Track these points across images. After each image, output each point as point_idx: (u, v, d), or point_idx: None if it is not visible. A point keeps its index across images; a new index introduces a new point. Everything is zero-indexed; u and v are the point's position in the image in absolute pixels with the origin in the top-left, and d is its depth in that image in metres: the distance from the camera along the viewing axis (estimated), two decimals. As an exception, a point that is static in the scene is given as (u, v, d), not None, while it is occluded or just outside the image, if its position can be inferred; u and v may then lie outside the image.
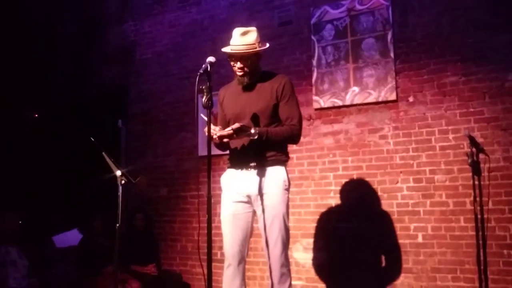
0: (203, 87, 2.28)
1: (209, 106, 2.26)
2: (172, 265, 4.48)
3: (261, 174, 2.49)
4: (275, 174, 2.50)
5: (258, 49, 2.52)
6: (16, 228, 3.65)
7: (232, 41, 2.53)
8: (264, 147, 2.48)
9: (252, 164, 2.50)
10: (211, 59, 2.34)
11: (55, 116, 5.40)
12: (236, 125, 2.35)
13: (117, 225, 2.71)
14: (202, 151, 4.26)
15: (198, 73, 2.25)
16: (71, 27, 5.56)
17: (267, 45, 2.58)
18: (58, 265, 4.24)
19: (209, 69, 2.29)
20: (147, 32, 5.07)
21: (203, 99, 2.26)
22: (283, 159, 2.57)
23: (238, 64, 2.51)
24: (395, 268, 3.52)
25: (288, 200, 2.54)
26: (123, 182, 2.75)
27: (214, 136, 2.38)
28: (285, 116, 2.53)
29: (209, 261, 2.19)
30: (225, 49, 2.54)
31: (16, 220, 3.71)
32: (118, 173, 2.75)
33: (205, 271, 2.20)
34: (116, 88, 5.12)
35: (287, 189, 2.54)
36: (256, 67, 2.57)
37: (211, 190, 2.24)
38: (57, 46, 5.56)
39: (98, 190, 3.99)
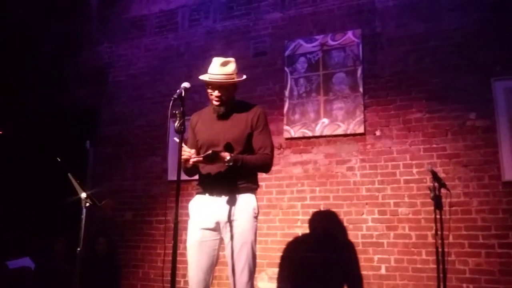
0: (177, 112, 2.29)
1: (181, 131, 2.27)
2: (134, 292, 4.35)
3: (231, 201, 2.49)
4: (245, 201, 2.51)
5: (236, 80, 2.57)
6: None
7: (210, 70, 2.57)
8: (236, 174, 2.49)
9: (223, 191, 2.50)
10: (186, 84, 2.36)
11: (21, 132, 5.25)
12: (215, 152, 2.37)
13: (78, 249, 2.63)
14: (172, 176, 4.22)
15: (172, 98, 2.26)
16: (46, 43, 5.50)
17: (244, 76, 2.64)
18: (13, 289, 4.05)
19: (183, 94, 2.31)
20: (123, 55, 5.08)
21: (176, 124, 2.27)
22: (253, 187, 2.59)
23: (216, 93, 2.55)
24: (359, 300, 3.54)
25: (256, 228, 2.54)
26: (87, 204, 2.69)
27: (191, 159, 2.37)
28: (258, 145, 2.57)
29: (173, 288, 2.15)
30: (203, 77, 2.58)
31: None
32: (83, 195, 2.69)
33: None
34: (87, 109, 5.06)
35: (256, 217, 2.54)
36: (232, 97, 2.62)
37: (178, 216, 2.22)
38: (31, 61, 5.47)
39: (62, 211, 3.88)
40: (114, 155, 4.82)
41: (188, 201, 2.70)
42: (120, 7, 5.24)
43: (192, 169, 2.60)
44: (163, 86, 4.70)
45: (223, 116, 2.60)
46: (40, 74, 5.39)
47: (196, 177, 2.67)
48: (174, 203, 2.22)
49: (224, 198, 2.50)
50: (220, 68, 2.54)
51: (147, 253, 4.39)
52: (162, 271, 2.29)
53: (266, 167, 2.60)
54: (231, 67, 2.57)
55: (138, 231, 4.49)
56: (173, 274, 2.15)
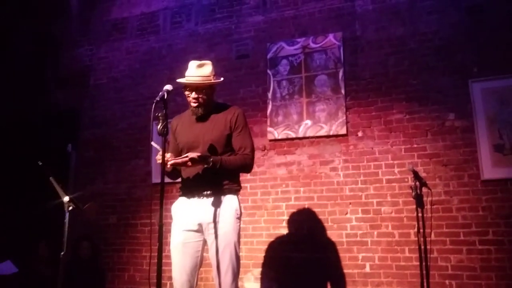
0: (159, 114, 2.29)
1: (164, 134, 2.27)
2: (119, 296, 4.31)
3: (214, 202, 2.50)
4: (228, 202, 2.52)
5: (213, 81, 2.59)
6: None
7: (187, 72, 2.59)
8: (217, 175, 2.50)
9: (205, 193, 2.51)
10: (168, 87, 2.36)
11: (0, 135, 5.15)
12: (193, 154, 2.37)
13: (62, 253, 2.60)
14: (155, 179, 4.21)
15: (155, 100, 2.26)
16: (27, 46, 5.40)
17: (221, 79, 2.67)
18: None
19: (165, 97, 2.31)
20: (103, 57, 5.03)
21: (158, 126, 2.27)
22: (235, 188, 2.60)
23: (193, 95, 2.56)
24: (343, 299, 3.58)
25: (239, 229, 2.55)
26: (70, 208, 2.66)
27: (168, 162, 2.38)
28: (238, 146, 2.59)
29: (159, 290, 2.14)
30: (181, 80, 2.59)
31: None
32: (66, 199, 2.65)
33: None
34: (68, 112, 4.99)
35: (239, 218, 2.56)
36: (210, 99, 2.63)
37: (163, 218, 2.22)
38: (9, 62, 5.37)
39: (44, 216, 3.82)
40: (96, 158, 4.77)
41: (172, 203, 2.70)
42: (101, 9, 5.19)
43: (173, 173, 2.61)
44: (145, 88, 4.67)
45: (201, 118, 2.62)
46: (19, 76, 5.29)
47: (180, 179, 2.67)
48: (158, 206, 2.22)
49: (206, 200, 2.51)
50: (196, 70, 2.57)
51: (132, 256, 4.35)
52: (148, 273, 2.27)
53: (246, 167, 2.61)
54: (208, 69, 2.59)
55: (123, 234, 4.45)
56: (159, 277, 2.14)
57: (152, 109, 2.26)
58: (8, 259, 4.04)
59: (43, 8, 5.42)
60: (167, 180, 2.39)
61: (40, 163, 2.64)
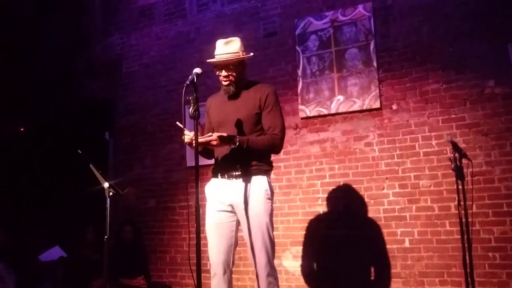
0: (190, 98, 2.30)
1: (195, 117, 2.28)
2: (162, 277, 4.46)
3: (243, 183, 2.49)
4: (258, 183, 2.50)
5: (242, 57, 2.55)
6: (3, 243, 3.61)
7: (216, 51, 2.57)
8: (246, 156, 2.48)
9: (235, 174, 2.51)
10: (197, 70, 2.37)
11: (40, 129, 5.36)
12: (219, 134, 2.38)
13: (105, 237, 2.70)
14: (190, 162, 4.26)
15: (185, 84, 2.27)
16: (57, 40, 5.55)
17: (251, 54, 2.62)
18: (45, 280, 4.19)
19: (195, 80, 2.32)
20: (134, 45, 5.10)
21: (190, 110, 2.29)
22: (265, 169, 2.56)
23: (223, 73, 2.54)
24: (383, 274, 3.56)
25: (271, 209, 2.53)
26: (110, 194, 2.75)
27: (190, 141, 2.38)
28: (267, 125, 2.55)
29: (199, 272, 2.18)
30: (210, 60, 2.58)
31: (3, 235, 3.67)
32: (106, 185, 2.75)
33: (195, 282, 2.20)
34: (103, 101, 5.12)
35: (270, 199, 2.53)
36: (241, 76, 2.60)
37: (199, 200, 2.26)
38: (43, 57, 5.54)
39: (88, 202, 3.97)
40: (133, 144, 4.89)
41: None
42: (127, -3, 5.24)
43: (205, 152, 2.62)
44: (176, 73, 4.71)
45: (233, 96, 2.59)
46: (53, 71, 5.46)
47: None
48: (194, 188, 2.26)
49: (236, 181, 2.51)
50: (224, 48, 2.54)
51: (172, 238, 4.48)
52: (188, 254, 2.33)
53: (275, 148, 2.56)
54: (236, 45, 2.55)
55: (162, 217, 4.58)
56: (198, 258, 2.19)
57: (183, 93, 2.27)
58: (56, 245, 4.27)
59: (70, 2, 5.53)
60: (201, 162, 2.41)
61: (80, 152, 2.73)
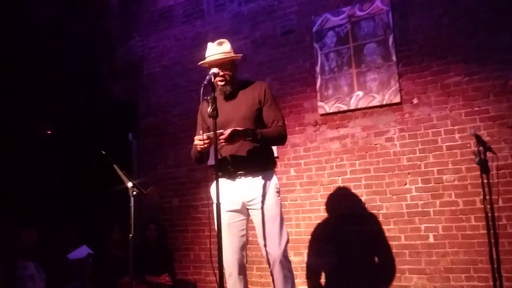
0: (208, 98, 2.35)
1: (214, 116, 2.32)
2: (186, 274, 4.53)
3: (252, 181, 2.56)
4: (265, 179, 2.57)
5: (235, 55, 2.64)
6: (34, 243, 3.73)
7: (208, 52, 2.63)
8: (251, 154, 2.54)
9: (241, 172, 2.57)
10: (214, 70, 2.42)
11: (67, 131, 5.51)
12: (230, 129, 2.39)
13: (130, 235, 2.78)
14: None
15: (202, 84, 2.32)
16: (79, 44, 5.70)
17: (241, 55, 2.74)
18: (74, 279, 4.32)
19: (213, 80, 2.36)
20: (154, 47, 5.18)
21: (208, 109, 2.33)
22: (271, 165, 2.66)
23: (219, 73, 2.58)
24: (406, 269, 3.52)
25: (280, 202, 2.62)
26: (134, 193, 2.82)
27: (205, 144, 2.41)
28: (270, 119, 2.62)
29: (221, 269, 2.22)
30: (203, 62, 2.63)
31: (34, 236, 3.80)
32: (130, 184, 2.82)
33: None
34: (125, 103, 5.23)
35: (279, 192, 2.62)
36: (234, 76, 2.66)
37: (219, 198, 2.29)
38: (67, 62, 5.69)
39: (113, 202, 4.07)
40: (155, 144, 4.98)
41: (228, 183, 2.77)
42: (146, 0, 5.33)
43: (201, 156, 2.61)
44: (196, 74, 4.75)
45: (230, 96, 2.64)
46: (77, 74, 5.59)
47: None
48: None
49: (243, 179, 2.56)
50: (217, 48, 2.60)
51: (196, 236, 4.54)
52: (210, 252, 2.38)
53: (282, 138, 2.66)
54: (227, 46, 2.63)
55: (185, 215, 4.65)
56: (220, 255, 2.22)
57: (201, 93, 2.32)
58: (83, 244, 4.38)
59: (90, 7, 5.66)
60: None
61: (104, 152, 2.81)
